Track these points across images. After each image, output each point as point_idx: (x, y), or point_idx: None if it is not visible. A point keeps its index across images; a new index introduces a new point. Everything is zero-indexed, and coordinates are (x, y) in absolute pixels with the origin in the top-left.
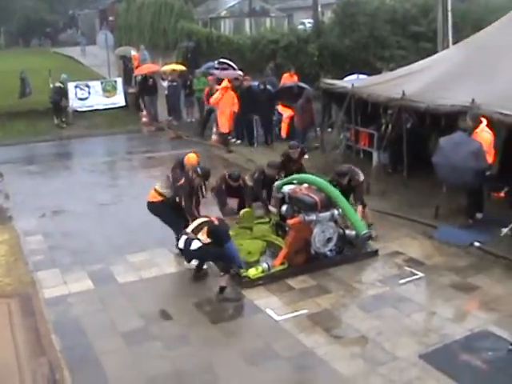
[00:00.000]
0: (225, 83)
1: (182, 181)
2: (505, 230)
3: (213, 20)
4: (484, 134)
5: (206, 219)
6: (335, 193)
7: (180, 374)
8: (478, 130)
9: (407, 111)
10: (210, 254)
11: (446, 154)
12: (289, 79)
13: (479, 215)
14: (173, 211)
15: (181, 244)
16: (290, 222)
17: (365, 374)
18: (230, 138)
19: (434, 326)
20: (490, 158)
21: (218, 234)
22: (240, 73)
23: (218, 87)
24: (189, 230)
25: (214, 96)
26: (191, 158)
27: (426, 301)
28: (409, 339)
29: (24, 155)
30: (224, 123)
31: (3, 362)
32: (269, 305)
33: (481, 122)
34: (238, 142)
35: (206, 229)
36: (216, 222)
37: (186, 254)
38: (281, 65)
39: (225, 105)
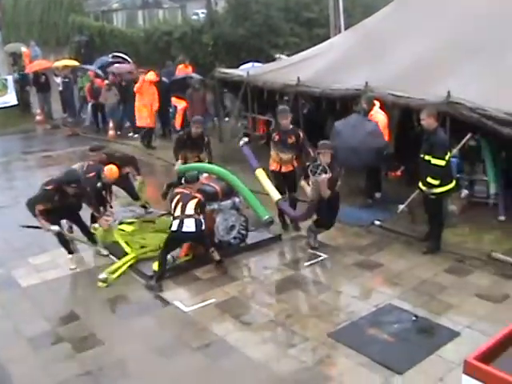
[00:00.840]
0: (151, 76)
1: (92, 174)
2: (401, 207)
3: (105, 13)
4: (378, 116)
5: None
6: (236, 181)
7: (91, 374)
8: (372, 112)
9: (303, 97)
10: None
11: (345, 138)
12: (183, 70)
13: (378, 195)
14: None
15: (191, 227)
16: None
17: (276, 358)
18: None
19: (340, 305)
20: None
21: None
22: (133, 66)
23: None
24: (177, 213)
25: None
26: (113, 171)
27: (332, 281)
28: (317, 320)
29: None
30: (142, 117)
31: None
32: (177, 297)
33: (374, 104)
34: (136, 135)
35: (194, 204)
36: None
37: (197, 236)
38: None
39: (146, 99)
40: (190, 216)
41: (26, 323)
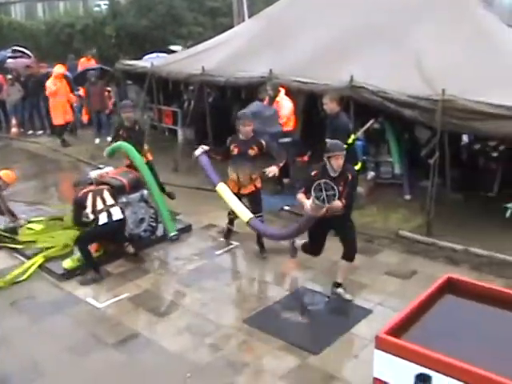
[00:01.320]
0: (60, 69)
1: None
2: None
3: (2, 5)
4: (284, 102)
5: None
6: (153, 187)
7: (3, 378)
8: (278, 99)
9: (208, 86)
10: None
11: None
12: (86, 63)
13: (286, 180)
14: None
15: (119, 215)
16: None
17: (193, 347)
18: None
19: (254, 291)
20: (291, 124)
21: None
22: (32, 60)
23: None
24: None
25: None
26: (10, 176)
27: (244, 268)
28: (232, 307)
29: None
30: (59, 115)
31: None
32: (89, 294)
33: (279, 91)
34: (40, 132)
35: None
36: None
37: (124, 223)
38: (80, 49)
39: (60, 95)
40: (113, 205)
41: None
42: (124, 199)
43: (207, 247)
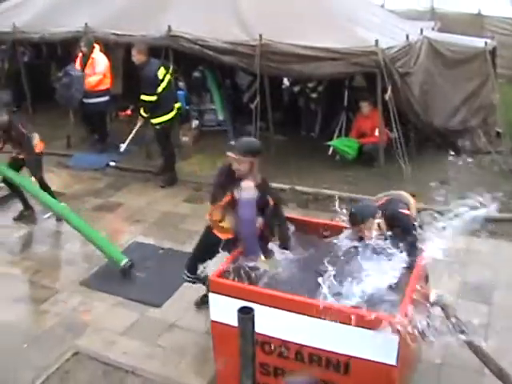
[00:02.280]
0: None
1: None
2: (123, 146)
3: None
4: (100, 58)
5: None
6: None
7: None
8: (94, 56)
9: (22, 44)
10: None
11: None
12: None
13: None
14: None
15: None
16: None
17: (30, 316)
18: None
19: (88, 252)
20: (108, 82)
21: None
22: None
23: None
24: None
25: None
26: None
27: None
28: (67, 270)
29: None
30: None
31: None
32: None
33: (94, 47)
34: None
35: None
36: None
37: None
38: None
39: None
40: None
41: None
42: None
43: (34, 212)
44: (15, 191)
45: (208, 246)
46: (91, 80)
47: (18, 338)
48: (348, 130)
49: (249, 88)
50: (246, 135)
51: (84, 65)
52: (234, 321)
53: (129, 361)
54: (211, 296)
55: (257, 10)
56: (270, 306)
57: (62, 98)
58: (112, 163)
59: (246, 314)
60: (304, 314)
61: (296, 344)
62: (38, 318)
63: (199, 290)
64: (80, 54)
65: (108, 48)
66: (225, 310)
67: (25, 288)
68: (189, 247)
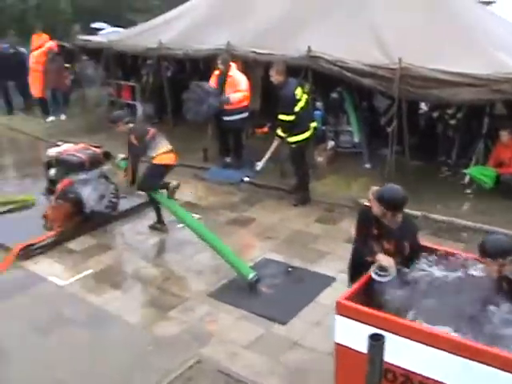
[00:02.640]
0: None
1: None
2: (260, 164)
3: None
4: (240, 77)
5: None
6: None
7: None
8: (231, 73)
9: (166, 59)
10: None
11: (190, 95)
12: (38, 39)
13: (228, 159)
14: None
15: None
16: (59, 186)
17: (157, 321)
18: None
19: (217, 264)
20: (242, 96)
21: None
22: None
23: None
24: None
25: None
26: None
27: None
28: (195, 280)
29: None
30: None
31: None
32: (51, 272)
33: (230, 65)
34: None
35: None
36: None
37: None
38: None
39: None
40: None
41: None
42: (83, 176)
43: (168, 221)
44: (154, 204)
45: None
46: (235, 96)
47: (145, 341)
48: (485, 159)
49: (386, 111)
50: (380, 159)
51: (220, 83)
52: (360, 346)
53: (250, 375)
54: (338, 318)
55: (396, 32)
56: (411, 339)
57: (190, 111)
58: (246, 179)
59: (376, 340)
60: (455, 354)
61: (430, 379)
62: (165, 324)
63: (327, 310)
64: (216, 72)
65: (247, 66)
66: (351, 334)
67: (154, 293)
68: (319, 267)
